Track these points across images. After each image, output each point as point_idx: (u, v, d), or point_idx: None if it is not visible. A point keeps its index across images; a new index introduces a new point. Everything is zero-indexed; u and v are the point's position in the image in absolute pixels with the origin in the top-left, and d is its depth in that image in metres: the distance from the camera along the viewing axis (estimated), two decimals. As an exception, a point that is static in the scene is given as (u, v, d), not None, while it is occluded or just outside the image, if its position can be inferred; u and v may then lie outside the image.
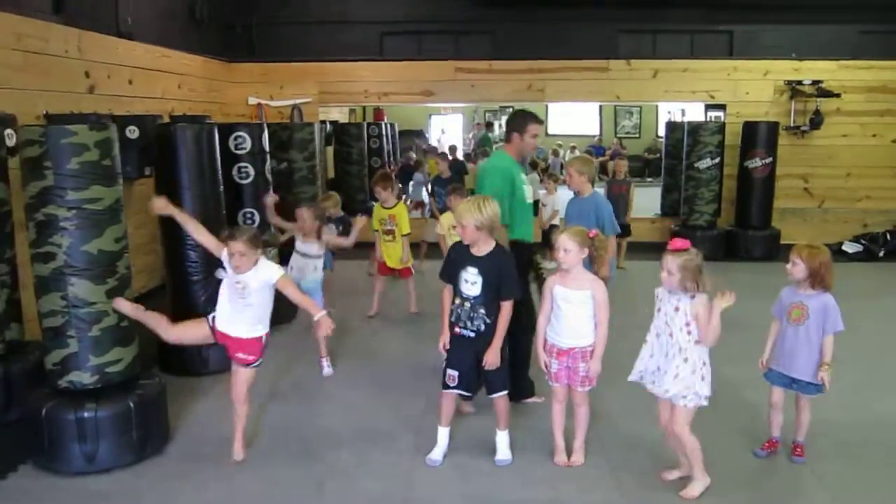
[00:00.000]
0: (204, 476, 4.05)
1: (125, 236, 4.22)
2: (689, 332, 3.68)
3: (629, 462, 4.19)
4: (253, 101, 10.45)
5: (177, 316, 5.64)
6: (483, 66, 10.60)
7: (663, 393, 3.76)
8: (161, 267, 6.15)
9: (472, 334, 4.04)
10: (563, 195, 7.85)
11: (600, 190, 6.17)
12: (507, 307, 4.01)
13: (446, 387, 4.14)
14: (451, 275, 4.12)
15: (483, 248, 4.01)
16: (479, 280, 3.98)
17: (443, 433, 4.25)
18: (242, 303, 4.03)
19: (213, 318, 4.11)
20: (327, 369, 5.65)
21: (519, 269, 4.36)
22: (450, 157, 12.28)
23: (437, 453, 4.22)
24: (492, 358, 4.01)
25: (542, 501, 3.83)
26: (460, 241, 4.10)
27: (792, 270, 4.02)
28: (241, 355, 4.12)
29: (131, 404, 4.06)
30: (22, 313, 4.94)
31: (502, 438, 4.22)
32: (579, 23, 10.56)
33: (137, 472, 4.08)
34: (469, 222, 3.94)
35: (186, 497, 3.85)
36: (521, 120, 4.74)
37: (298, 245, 5.86)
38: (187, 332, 4.22)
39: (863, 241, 10.27)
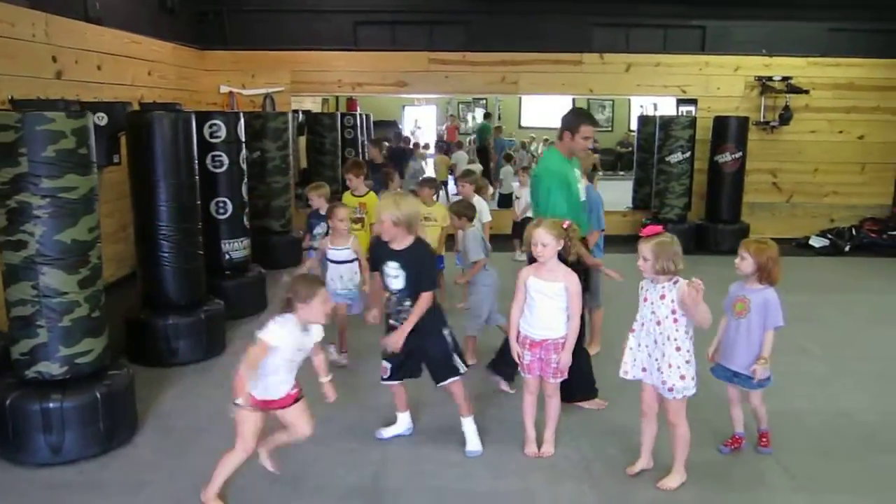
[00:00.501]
0: (172, 468, 4.02)
1: (98, 226, 4.16)
2: (675, 321, 3.68)
3: (600, 453, 4.22)
4: (225, 89, 10.33)
5: (147, 303, 5.62)
6: (457, 57, 10.57)
7: (660, 385, 3.75)
8: (130, 256, 6.08)
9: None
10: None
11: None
12: (424, 297, 4.02)
13: (382, 379, 4.26)
14: (378, 269, 4.17)
15: (403, 243, 4.01)
16: (402, 274, 4.01)
17: (401, 417, 4.42)
18: (294, 366, 3.63)
19: (251, 398, 3.48)
20: (340, 359, 5.61)
21: (573, 266, 4.29)
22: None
23: (388, 431, 4.41)
24: (392, 340, 4.06)
25: (512, 493, 3.85)
26: (380, 237, 4.08)
27: (740, 265, 4.02)
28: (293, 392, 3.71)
29: (98, 395, 4.01)
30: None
31: (468, 426, 4.24)
32: (553, 15, 10.57)
33: (104, 464, 4.03)
34: (386, 218, 3.93)
35: (153, 489, 3.82)
36: (574, 120, 4.67)
37: (332, 254, 5.48)
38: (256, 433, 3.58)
39: (829, 236, 10.43)
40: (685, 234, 9.96)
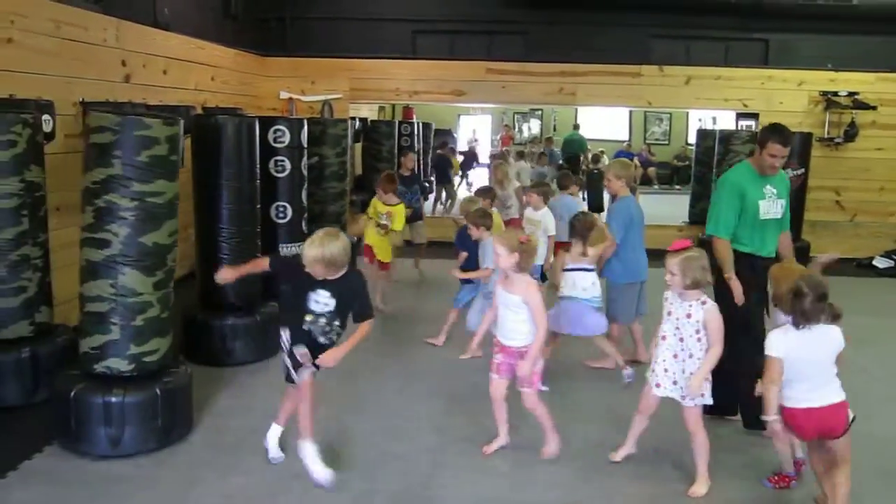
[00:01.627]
0: (225, 466, 4.07)
1: (177, 230, 4.26)
2: (698, 339, 3.75)
3: (658, 468, 4.16)
4: (284, 95, 10.50)
5: (205, 305, 5.73)
6: (514, 67, 10.57)
7: (678, 397, 3.87)
8: (190, 255, 6.21)
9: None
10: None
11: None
12: (365, 325, 3.82)
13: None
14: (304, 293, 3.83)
15: (334, 275, 3.76)
16: (332, 302, 3.78)
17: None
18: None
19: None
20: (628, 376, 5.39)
21: (751, 284, 4.28)
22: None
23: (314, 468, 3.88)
24: (329, 358, 3.77)
25: (562, 505, 3.82)
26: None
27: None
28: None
29: (158, 391, 4.10)
30: (52, 297, 5.01)
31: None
32: (612, 27, 10.53)
33: (160, 459, 4.11)
34: (309, 255, 3.68)
35: (207, 486, 3.87)
36: (764, 135, 4.56)
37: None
38: None
39: (894, 257, 10.11)
40: (743, 251, 9.81)
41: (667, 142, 20.37)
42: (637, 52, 10.58)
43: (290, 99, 10.42)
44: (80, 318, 4.21)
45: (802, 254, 9.71)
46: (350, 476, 4.00)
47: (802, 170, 9.83)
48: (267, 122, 6.51)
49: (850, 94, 10.12)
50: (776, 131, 4.53)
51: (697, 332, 3.72)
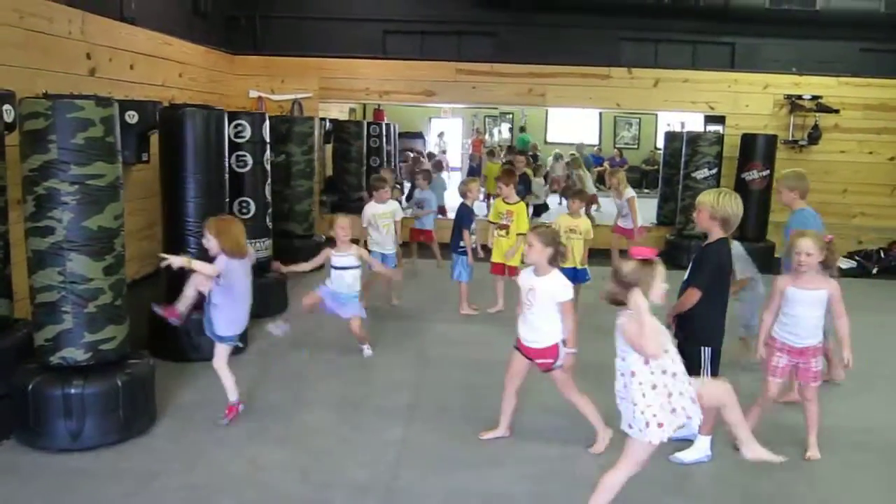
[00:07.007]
0: (188, 458, 4.03)
1: (123, 214, 4.21)
2: None
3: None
4: (254, 93, 10.42)
5: (171, 298, 5.62)
6: (484, 68, 10.60)
7: None
8: (156, 253, 6.11)
9: None
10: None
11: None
12: None
13: None
14: None
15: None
16: None
17: None
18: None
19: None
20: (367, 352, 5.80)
21: None
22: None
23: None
24: None
25: (526, 496, 3.82)
26: None
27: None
28: (539, 361, 4.18)
29: (119, 382, 4.04)
30: (12, 290, 4.90)
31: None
32: (582, 28, 10.60)
33: (121, 452, 4.06)
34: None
35: (169, 478, 3.83)
36: None
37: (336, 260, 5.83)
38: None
39: (857, 258, 10.27)
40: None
41: (636, 146, 20.56)
42: (606, 54, 10.66)
43: (260, 98, 10.34)
44: (31, 311, 4.13)
45: (768, 254, 9.88)
46: (314, 465, 3.98)
47: (767, 171, 9.98)
48: (228, 117, 6.47)
49: (814, 97, 10.29)
50: None
51: None
